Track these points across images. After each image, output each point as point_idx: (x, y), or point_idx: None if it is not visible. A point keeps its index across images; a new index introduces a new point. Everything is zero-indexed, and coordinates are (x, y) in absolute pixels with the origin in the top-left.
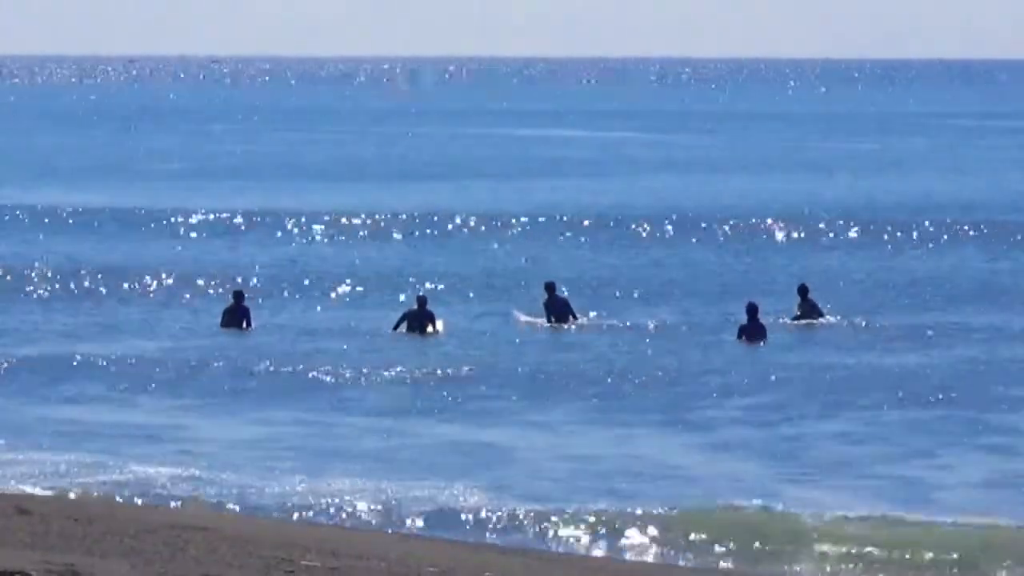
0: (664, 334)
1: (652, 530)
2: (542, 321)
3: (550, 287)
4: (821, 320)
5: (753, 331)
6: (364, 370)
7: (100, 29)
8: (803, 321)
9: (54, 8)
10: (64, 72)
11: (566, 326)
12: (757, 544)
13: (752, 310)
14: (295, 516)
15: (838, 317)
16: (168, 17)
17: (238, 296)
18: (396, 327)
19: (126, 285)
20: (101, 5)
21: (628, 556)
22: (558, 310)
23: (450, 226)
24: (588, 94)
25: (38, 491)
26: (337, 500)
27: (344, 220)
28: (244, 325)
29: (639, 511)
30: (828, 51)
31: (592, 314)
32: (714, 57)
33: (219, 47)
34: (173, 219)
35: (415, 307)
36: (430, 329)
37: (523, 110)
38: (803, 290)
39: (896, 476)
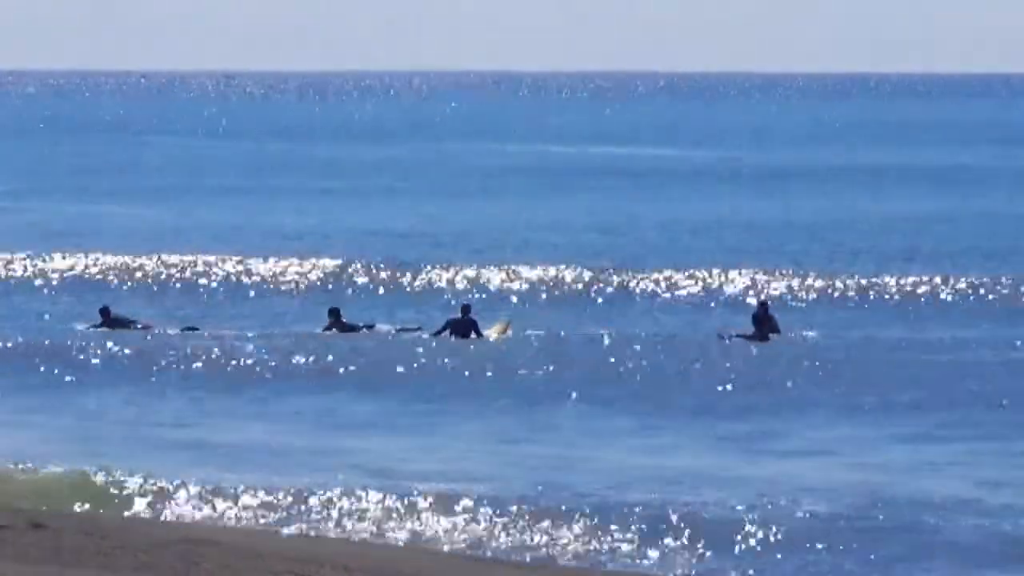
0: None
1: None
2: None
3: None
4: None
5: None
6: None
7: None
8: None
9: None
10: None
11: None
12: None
13: (762, 303)
14: (308, 530)
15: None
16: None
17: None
18: (439, 333)
19: None
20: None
21: (642, 570)
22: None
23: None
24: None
25: (52, 506)
26: (350, 514)
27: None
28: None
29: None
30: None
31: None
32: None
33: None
34: None
35: (459, 315)
36: (473, 336)
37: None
38: (762, 305)
39: None
